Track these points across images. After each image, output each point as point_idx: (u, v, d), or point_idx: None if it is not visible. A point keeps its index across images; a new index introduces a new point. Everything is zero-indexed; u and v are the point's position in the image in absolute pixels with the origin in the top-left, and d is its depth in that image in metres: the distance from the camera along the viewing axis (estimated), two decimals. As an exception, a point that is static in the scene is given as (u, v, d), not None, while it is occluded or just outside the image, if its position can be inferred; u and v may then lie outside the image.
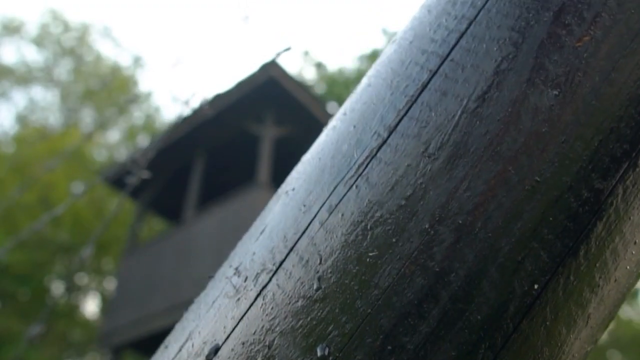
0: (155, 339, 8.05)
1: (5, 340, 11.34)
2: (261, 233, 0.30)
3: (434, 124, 0.26)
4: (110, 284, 15.39)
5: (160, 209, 10.64)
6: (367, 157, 0.27)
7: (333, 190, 0.27)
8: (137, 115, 17.19)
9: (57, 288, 14.54)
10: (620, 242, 0.27)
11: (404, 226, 0.25)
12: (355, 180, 0.27)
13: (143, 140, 16.70)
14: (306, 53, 17.73)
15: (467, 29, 0.28)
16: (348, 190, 0.27)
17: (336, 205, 0.27)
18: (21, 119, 16.35)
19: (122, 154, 16.28)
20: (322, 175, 0.28)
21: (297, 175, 0.31)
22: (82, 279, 15.03)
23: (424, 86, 0.28)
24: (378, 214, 0.25)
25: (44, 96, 16.87)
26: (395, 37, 0.33)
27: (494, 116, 0.26)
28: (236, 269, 0.30)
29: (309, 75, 17.98)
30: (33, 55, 18.77)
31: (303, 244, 0.27)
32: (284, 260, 0.27)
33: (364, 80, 0.32)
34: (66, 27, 16.98)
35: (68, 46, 17.08)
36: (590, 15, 0.26)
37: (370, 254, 0.25)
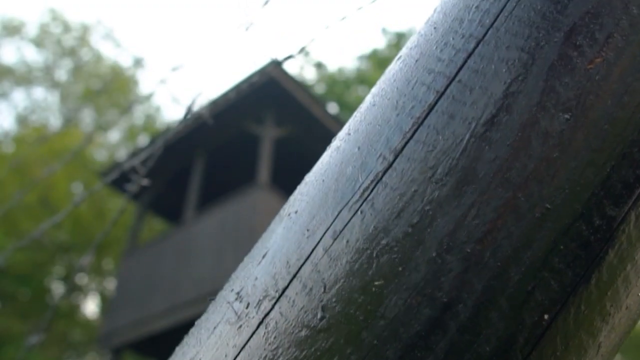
0: (155, 340, 8.04)
1: (5, 340, 11.33)
2: (263, 257, 0.29)
3: (441, 148, 0.26)
4: (110, 285, 15.39)
5: (161, 210, 10.63)
6: (372, 182, 0.26)
7: (337, 215, 0.26)
8: (138, 115, 17.20)
9: (58, 289, 14.54)
10: (632, 269, 0.26)
11: (411, 255, 0.24)
12: (360, 206, 0.26)
13: (143, 141, 16.70)
14: (306, 53, 17.73)
15: (474, 48, 0.27)
16: (353, 216, 0.26)
17: (340, 231, 0.26)
18: (21, 119, 16.35)
19: (122, 154, 16.27)
20: (326, 198, 0.27)
21: (300, 197, 0.30)
22: (82, 279, 15.03)
23: (431, 108, 0.27)
24: (384, 242, 0.25)
25: (44, 96, 16.85)
26: (400, 54, 0.32)
27: (503, 141, 0.25)
28: (238, 293, 0.29)
29: (309, 75, 17.97)
30: (33, 56, 18.76)
31: (306, 270, 0.26)
32: (286, 287, 0.26)
33: (369, 99, 0.32)
34: (66, 27, 16.98)
35: (68, 46, 17.07)
36: (602, 36, 0.26)
37: (376, 283, 0.24)
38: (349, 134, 0.30)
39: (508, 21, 0.27)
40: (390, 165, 0.26)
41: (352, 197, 0.27)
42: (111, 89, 15.78)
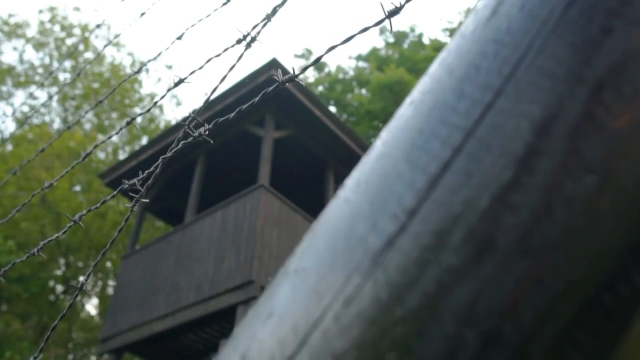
0: (156, 342, 8.03)
1: (5, 341, 11.33)
2: (268, 316, 0.28)
3: (458, 211, 0.24)
4: (111, 286, 15.37)
5: (161, 211, 10.62)
6: (385, 244, 0.25)
7: (348, 280, 0.25)
8: (137, 112, 17.16)
9: (59, 289, 14.53)
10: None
11: (426, 328, 0.23)
12: (373, 272, 0.25)
13: (143, 141, 16.68)
14: (307, 52, 17.69)
15: (493, 101, 0.26)
16: (364, 282, 0.24)
17: (352, 298, 0.24)
18: (20, 120, 16.34)
19: (123, 154, 16.26)
20: (336, 259, 0.26)
21: (308, 252, 0.28)
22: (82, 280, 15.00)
23: (446, 165, 0.25)
24: (397, 313, 0.23)
25: (43, 96, 16.84)
26: (412, 98, 0.31)
27: (525, 206, 0.23)
28: (242, 356, 0.27)
29: (309, 74, 17.95)
30: (33, 56, 18.75)
31: (315, 338, 0.25)
32: (294, 356, 0.25)
33: (379, 146, 0.30)
34: (66, 28, 16.97)
35: (68, 46, 17.06)
36: (630, 91, 0.24)
37: (389, 356, 0.23)
38: (359, 186, 0.29)
39: (529, 71, 0.26)
40: (404, 227, 0.25)
41: (363, 261, 0.25)
42: (112, 89, 15.75)
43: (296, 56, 18.21)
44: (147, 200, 0.71)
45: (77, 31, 16.94)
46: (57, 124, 16.44)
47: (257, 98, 0.71)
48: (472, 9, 0.32)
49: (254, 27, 0.81)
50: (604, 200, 0.23)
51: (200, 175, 8.57)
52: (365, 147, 9.05)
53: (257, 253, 6.80)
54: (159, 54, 1.20)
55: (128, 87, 16.49)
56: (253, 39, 0.79)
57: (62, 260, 14.20)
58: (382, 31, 17.63)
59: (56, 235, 0.86)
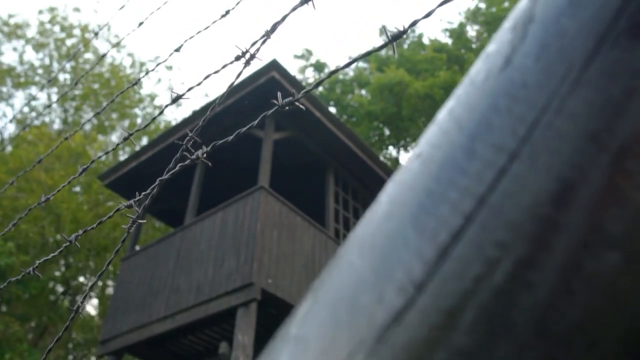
0: (155, 344, 8.02)
1: (5, 343, 11.32)
2: (267, 389, 0.26)
3: (471, 287, 0.22)
4: (111, 287, 15.35)
5: (161, 212, 10.60)
6: (391, 320, 0.23)
7: (351, 357, 0.23)
8: (138, 114, 17.15)
9: (59, 290, 14.52)
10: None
11: (436, 417, 0.21)
12: (378, 349, 0.23)
13: (143, 141, 16.66)
14: (307, 52, 17.68)
15: (507, 165, 0.24)
16: (370, 363, 0.23)
17: (355, 380, 0.23)
18: (20, 120, 16.32)
19: (123, 155, 16.24)
20: (339, 331, 0.24)
21: (309, 318, 0.27)
22: (83, 281, 14.99)
23: (457, 235, 0.24)
24: (405, 399, 0.22)
25: (43, 97, 16.83)
26: (420, 150, 0.29)
27: (542, 285, 0.22)
28: None
29: (309, 75, 17.93)
30: (33, 56, 18.73)
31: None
32: None
33: (384, 203, 0.28)
34: (66, 28, 16.95)
35: (68, 47, 17.04)
36: (655, 159, 0.22)
37: None
38: (363, 248, 0.27)
39: (545, 134, 0.24)
40: (412, 301, 0.23)
41: (368, 337, 0.23)
42: (112, 90, 15.73)
43: (296, 57, 18.19)
44: (144, 221, 0.69)
45: (77, 32, 16.92)
46: (57, 125, 16.42)
47: (256, 121, 0.69)
48: (483, 52, 0.31)
49: (253, 44, 0.80)
50: (626, 279, 0.22)
51: (200, 177, 8.56)
52: (365, 148, 9.03)
53: (257, 255, 6.79)
54: (158, 65, 1.18)
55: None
56: (252, 56, 0.77)
57: (61, 261, 14.18)
58: (382, 32, 17.62)
59: (52, 254, 0.84)
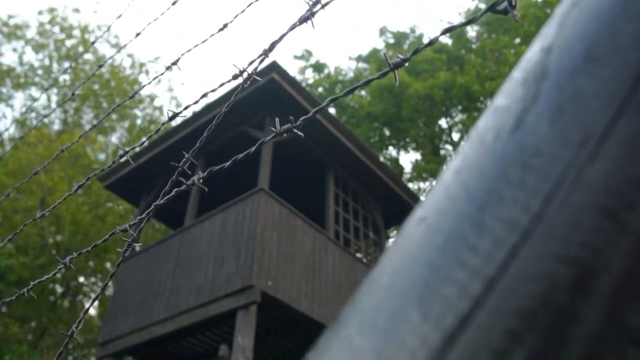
0: (155, 346, 8.01)
1: (4, 344, 11.30)
2: None
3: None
4: (111, 288, 15.34)
5: (160, 214, 10.59)
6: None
7: None
8: (138, 115, 17.14)
9: (59, 292, 14.50)
10: None
11: None
12: None
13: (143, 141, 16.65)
14: (307, 53, 17.66)
15: (519, 245, 0.22)
16: None
17: None
18: (20, 121, 16.31)
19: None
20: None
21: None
22: (83, 283, 14.97)
23: (465, 321, 0.22)
24: None
25: (43, 98, 16.82)
26: (425, 214, 0.27)
27: (559, 384, 0.20)
28: None
29: (309, 76, 17.90)
30: (32, 57, 18.71)
31: None
32: None
33: (386, 274, 0.26)
34: (66, 29, 16.93)
35: (68, 48, 17.02)
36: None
37: None
38: (364, 324, 0.25)
39: (561, 211, 0.22)
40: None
41: None
42: (112, 91, 15.71)
43: (295, 57, 18.17)
44: (140, 244, 0.68)
45: (76, 32, 16.89)
46: (56, 125, 16.40)
47: (254, 148, 0.67)
48: (492, 104, 0.29)
49: (251, 62, 0.78)
50: (651, 378, 0.20)
51: (200, 179, 8.54)
52: (365, 149, 9.01)
53: (257, 257, 6.77)
54: (155, 78, 1.17)
55: (128, 89, 16.44)
56: (250, 76, 0.75)
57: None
58: (382, 32, 17.59)
59: (46, 276, 0.83)
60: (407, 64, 0.52)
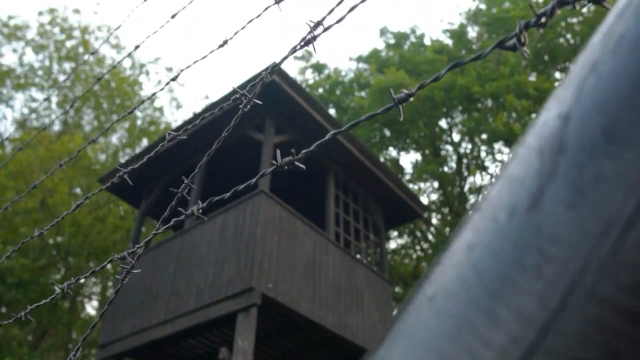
0: (155, 348, 8.00)
1: (4, 346, 11.29)
2: None
3: None
4: (111, 290, 15.33)
5: (160, 216, 10.58)
6: None
7: None
8: (138, 115, 17.12)
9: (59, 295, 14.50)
10: None
11: None
12: None
13: (144, 142, 16.64)
14: (308, 54, 17.63)
15: (536, 343, 0.21)
16: None
17: None
18: (21, 122, 16.29)
19: (123, 156, 16.22)
20: None
21: None
22: (83, 284, 14.96)
23: None
24: None
25: (43, 99, 16.82)
26: (434, 290, 0.26)
27: None
28: None
29: (309, 77, 17.88)
30: (33, 58, 18.70)
31: None
32: None
33: (393, 351, 0.25)
34: (66, 30, 16.91)
35: (68, 48, 17.00)
36: None
37: None
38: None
39: (581, 308, 0.20)
40: None
41: None
42: (112, 92, 15.69)
43: (296, 58, 18.14)
44: (139, 271, 0.66)
45: (77, 33, 16.87)
46: (56, 126, 16.38)
47: (254, 179, 0.66)
48: (505, 169, 0.27)
49: (252, 84, 0.77)
50: None
51: (200, 180, 8.52)
52: (365, 151, 8.99)
53: (258, 259, 6.76)
54: (154, 94, 1.15)
55: (128, 90, 16.44)
56: (250, 100, 0.74)
57: (62, 264, 14.16)
58: (382, 32, 17.55)
59: (44, 301, 0.81)
60: (412, 99, 0.51)
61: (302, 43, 0.70)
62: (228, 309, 6.63)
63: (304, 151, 0.62)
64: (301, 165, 0.63)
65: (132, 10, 1.71)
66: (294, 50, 0.71)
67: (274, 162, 0.67)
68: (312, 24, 0.71)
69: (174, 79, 1.08)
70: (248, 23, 0.98)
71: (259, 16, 0.97)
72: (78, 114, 16.35)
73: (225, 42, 1.01)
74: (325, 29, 0.70)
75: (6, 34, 16.19)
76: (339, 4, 0.75)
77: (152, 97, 1.13)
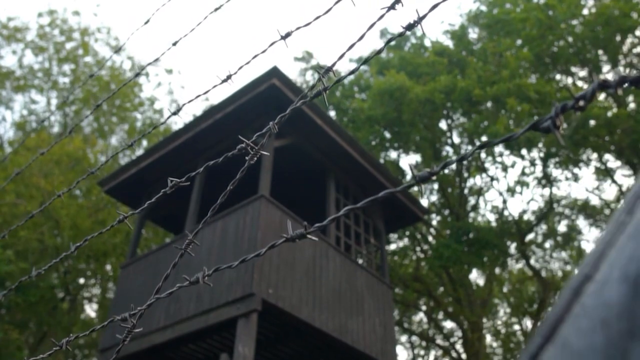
0: (156, 353, 7.96)
1: (4, 349, 11.26)
2: None
3: None
4: (112, 292, 15.30)
5: (161, 219, 10.55)
6: None
7: None
8: (137, 117, 17.10)
9: (59, 296, 14.45)
10: None
11: None
12: None
13: (144, 143, 16.60)
14: (308, 55, 17.60)
15: None
16: None
17: None
18: (20, 125, 16.26)
19: (122, 160, 16.18)
20: None
21: None
22: (83, 286, 14.93)
23: None
24: None
25: (42, 100, 16.78)
26: None
27: None
28: None
29: (309, 78, 17.85)
30: (32, 60, 18.65)
31: None
32: None
33: None
34: (65, 32, 16.87)
35: (67, 50, 16.96)
36: None
37: None
38: None
39: None
40: None
41: None
42: (111, 92, 15.66)
43: (296, 59, 18.11)
44: (141, 329, 0.63)
45: (76, 35, 16.82)
46: (56, 129, 16.34)
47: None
48: (554, 331, 0.24)
49: (259, 134, 0.74)
50: None
51: (200, 184, 8.50)
52: (365, 154, 8.96)
53: (258, 264, 6.73)
54: (154, 127, 1.12)
55: (128, 92, 16.39)
56: (257, 152, 0.71)
57: (61, 267, 14.12)
58: (382, 34, 17.51)
59: (41, 356, 0.78)
60: (434, 177, 0.48)
61: (313, 94, 0.67)
62: (228, 315, 6.60)
63: (315, 225, 0.58)
64: (314, 238, 0.60)
65: (128, 30, 1.67)
66: (303, 98, 0.68)
67: (284, 235, 0.64)
68: (321, 71, 0.68)
69: (175, 113, 1.05)
70: (253, 58, 0.95)
71: (264, 51, 0.94)
72: (77, 116, 16.32)
73: (229, 77, 0.98)
74: (338, 80, 0.67)
75: (6, 35, 16.15)
76: (349, 48, 0.72)
77: (151, 131, 1.10)
